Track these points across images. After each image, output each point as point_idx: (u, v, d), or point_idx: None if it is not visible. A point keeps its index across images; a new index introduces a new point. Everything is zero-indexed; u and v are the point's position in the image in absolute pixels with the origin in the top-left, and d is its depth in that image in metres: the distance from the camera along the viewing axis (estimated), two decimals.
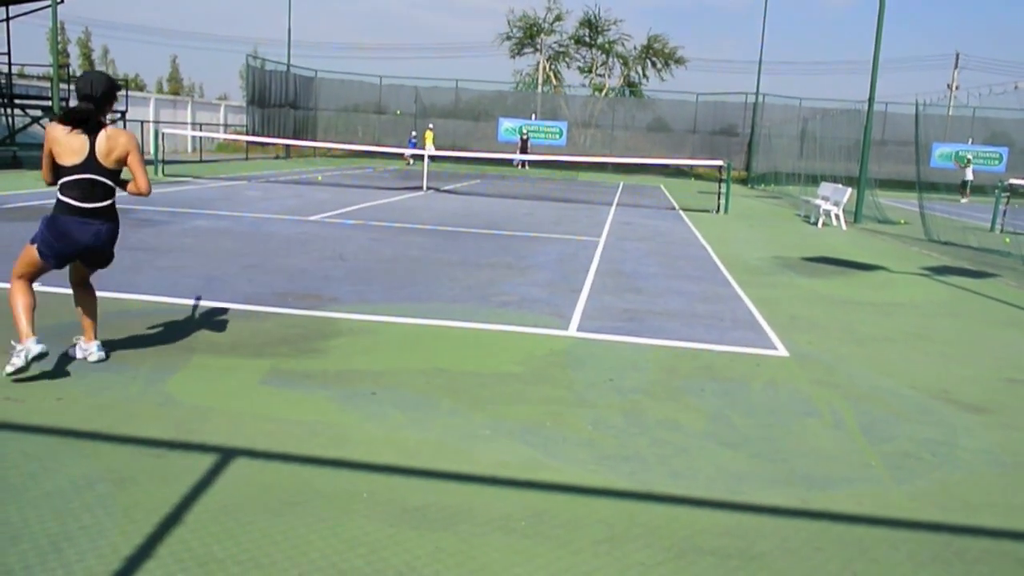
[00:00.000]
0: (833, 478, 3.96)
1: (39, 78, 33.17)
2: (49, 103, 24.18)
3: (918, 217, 17.56)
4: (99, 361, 5.06)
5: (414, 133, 39.90)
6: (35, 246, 4.80)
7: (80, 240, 4.77)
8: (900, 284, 10.33)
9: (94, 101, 4.68)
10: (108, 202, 4.82)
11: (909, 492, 3.84)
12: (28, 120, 26.17)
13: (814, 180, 24.79)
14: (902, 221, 19.24)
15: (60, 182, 4.73)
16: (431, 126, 39.74)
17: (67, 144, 4.66)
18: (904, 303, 8.92)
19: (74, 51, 62.47)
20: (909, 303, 8.94)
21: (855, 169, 20.38)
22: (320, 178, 24.30)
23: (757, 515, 3.53)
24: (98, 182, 4.74)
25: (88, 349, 5.12)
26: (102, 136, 4.68)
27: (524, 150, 39.82)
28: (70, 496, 3.29)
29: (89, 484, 3.40)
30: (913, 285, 10.32)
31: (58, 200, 4.76)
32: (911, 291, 9.81)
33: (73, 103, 4.85)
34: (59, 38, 25.28)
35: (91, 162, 4.67)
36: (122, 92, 32.69)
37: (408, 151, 33.32)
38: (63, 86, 25.11)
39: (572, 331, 6.65)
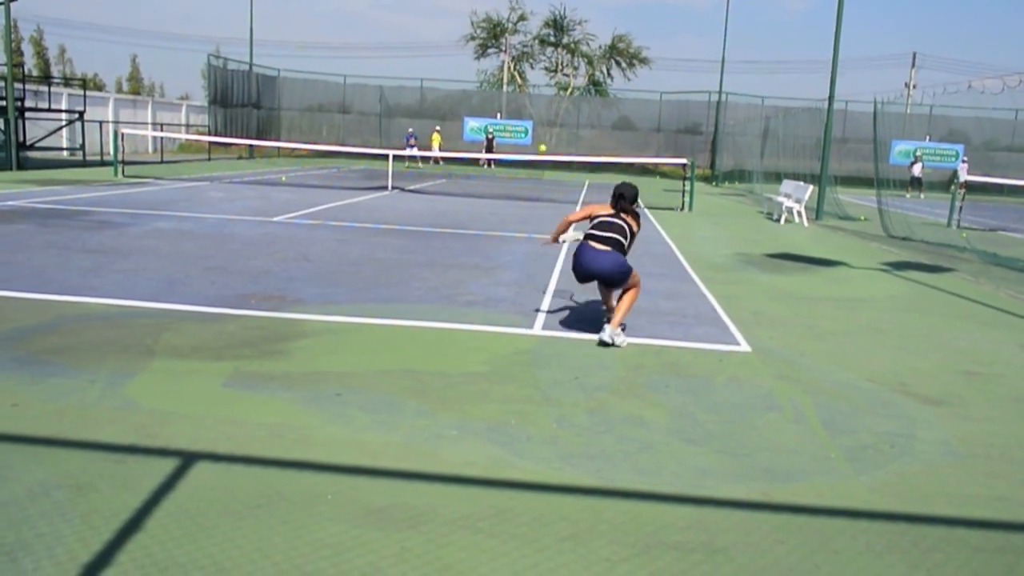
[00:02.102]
0: (794, 471, 4.02)
1: None
2: (3, 103, 23.66)
3: (877, 213, 17.87)
4: None
5: (411, 130, 39.29)
6: None
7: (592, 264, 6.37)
8: (860, 279, 10.51)
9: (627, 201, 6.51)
10: (616, 236, 6.39)
11: (868, 484, 3.91)
12: None
13: (777, 178, 25.12)
14: (862, 217, 19.57)
15: None
16: (437, 128, 39.52)
17: None
18: (863, 298, 9.07)
19: (28, 49, 61.20)
20: (868, 298, 9.10)
21: (817, 166, 20.68)
22: (284, 178, 24.09)
23: (720, 509, 3.57)
24: (621, 227, 6.45)
25: None
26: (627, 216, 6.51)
27: (489, 149, 39.81)
28: (26, 504, 3.23)
29: (46, 491, 3.34)
30: (872, 280, 10.50)
31: None
32: (870, 286, 9.99)
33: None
34: (12, 37, 24.73)
35: (619, 222, 6.47)
36: (79, 92, 32.14)
37: (407, 152, 33.12)
38: (17, 86, 24.58)
39: (538, 330, 6.67)
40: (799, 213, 18.27)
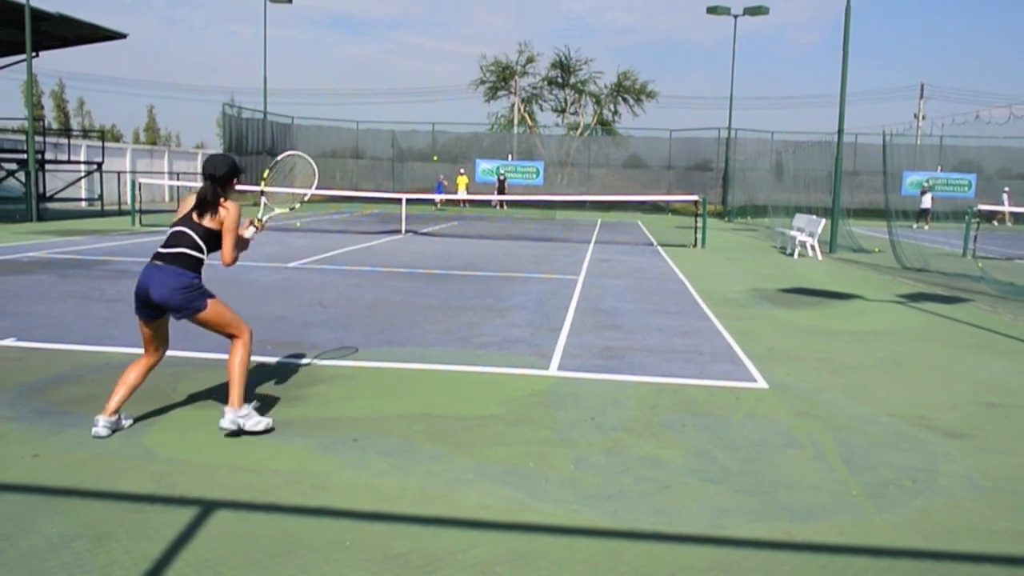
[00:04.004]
0: (816, 509, 3.97)
1: (13, 131, 33.13)
2: (24, 156, 24.11)
3: (890, 245, 17.81)
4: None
5: (442, 177, 40.01)
6: None
7: (142, 285, 4.78)
8: (875, 312, 10.45)
9: (216, 180, 4.82)
10: (178, 249, 4.76)
11: (891, 520, 3.87)
12: (3, 174, 26.06)
13: (789, 212, 25.14)
14: (876, 249, 19.52)
15: None
16: (462, 171, 39.99)
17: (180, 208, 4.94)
18: (880, 331, 9.02)
19: (48, 103, 62.55)
20: (885, 331, 9.04)
21: (829, 200, 20.70)
22: (299, 224, 24.32)
23: (741, 549, 3.53)
24: (183, 233, 4.79)
25: None
26: (208, 209, 4.82)
27: (501, 191, 40.12)
28: (46, 555, 3.24)
29: (66, 542, 3.36)
30: (888, 313, 10.44)
31: None
32: (886, 319, 9.93)
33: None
34: (33, 91, 25.32)
35: (187, 218, 4.83)
36: (97, 143, 32.74)
37: (437, 196, 33.73)
38: (38, 139, 25.08)
39: (553, 371, 6.67)
40: (812, 247, 18.25)
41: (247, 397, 4.94)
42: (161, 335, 5.01)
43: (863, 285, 13.26)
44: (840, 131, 19.66)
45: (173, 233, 4.82)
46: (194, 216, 4.81)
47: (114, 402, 4.81)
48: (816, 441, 5.03)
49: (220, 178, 4.84)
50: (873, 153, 35.86)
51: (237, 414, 4.77)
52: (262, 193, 5.63)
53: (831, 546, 3.59)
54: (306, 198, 5.86)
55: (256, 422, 4.82)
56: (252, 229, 5.31)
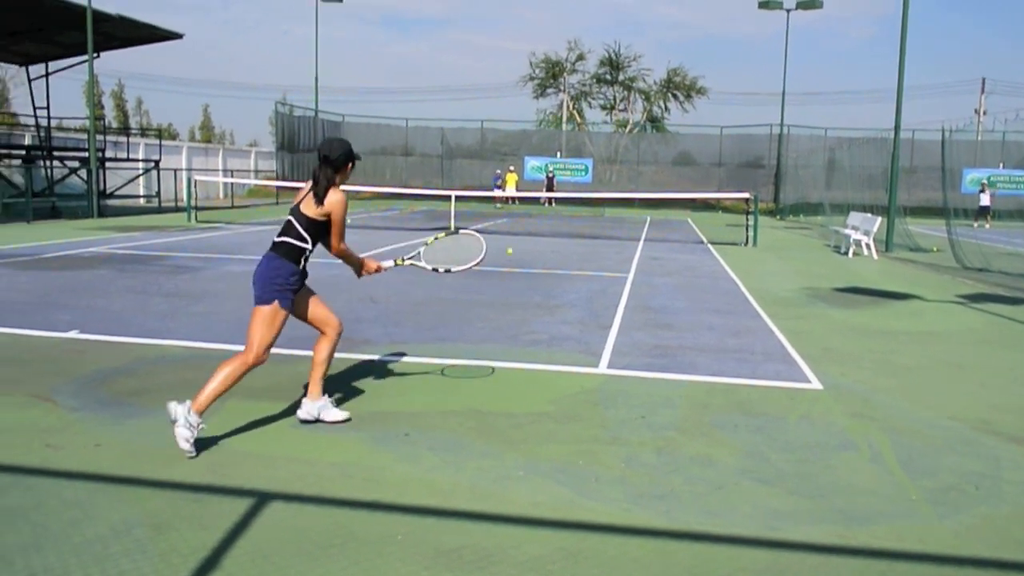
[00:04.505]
0: (873, 513, 3.89)
1: (76, 130, 34.14)
2: (86, 154, 24.82)
3: (949, 244, 17.34)
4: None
5: (499, 172, 40.00)
6: None
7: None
8: (934, 313, 10.19)
9: (329, 163, 4.72)
10: (284, 238, 4.74)
11: (953, 527, 3.76)
12: (66, 171, 26.86)
13: (843, 210, 24.64)
14: (934, 249, 19.02)
15: None
16: (512, 168, 40.04)
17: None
18: (939, 332, 8.79)
19: (109, 103, 64.28)
20: (944, 332, 8.81)
21: (884, 197, 20.23)
22: (349, 220, 24.58)
23: (795, 552, 3.47)
24: (290, 223, 4.76)
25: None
26: (314, 196, 4.73)
27: (550, 188, 40.08)
28: (109, 542, 3.33)
29: (127, 530, 3.44)
30: (948, 313, 10.17)
31: None
32: (946, 320, 9.67)
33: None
34: (94, 91, 26.04)
35: (297, 207, 4.80)
36: (155, 141, 33.55)
37: (498, 193, 33.94)
38: (99, 137, 25.78)
39: (603, 368, 6.64)
40: (867, 245, 17.86)
41: (326, 391, 5.05)
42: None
43: (921, 285, 12.94)
44: (897, 127, 19.20)
45: (285, 221, 4.82)
46: (302, 205, 4.75)
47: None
48: (873, 444, 4.92)
49: (334, 160, 4.72)
50: (931, 149, 34.90)
51: (315, 405, 4.91)
52: (431, 240, 5.67)
53: (890, 552, 3.50)
54: (454, 269, 5.60)
55: (334, 414, 4.96)
56: (390, 263, 5.41)
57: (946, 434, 5.15)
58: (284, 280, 4.68)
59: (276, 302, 4.64)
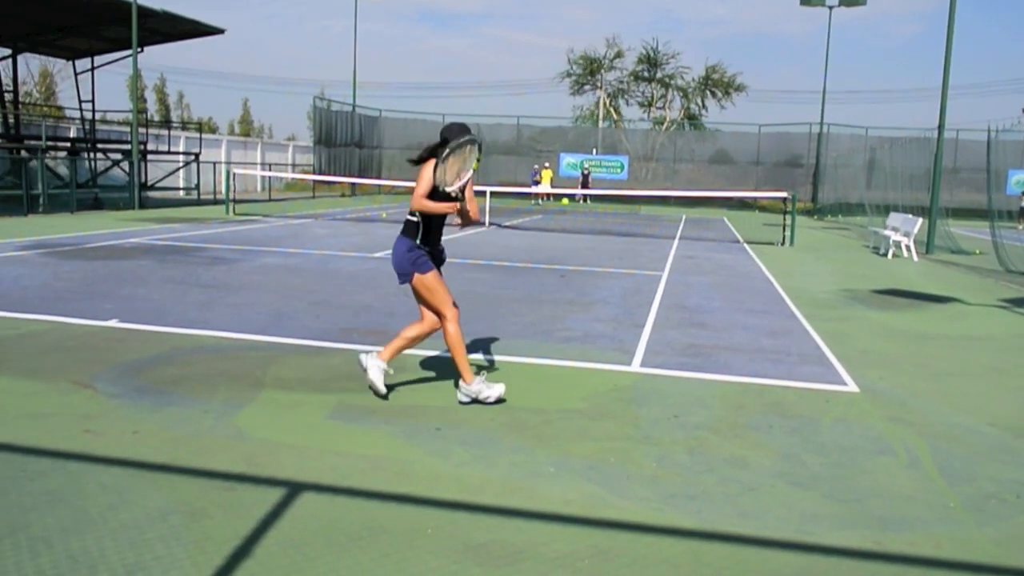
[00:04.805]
0: (910, 520, 3.82)
1: (119, 123, 34.74)
2: (128, 147, 25.26)
3: (992, 247, 16.96)
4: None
5: (536, 167, 39.78)
6: None
7: None
8: (976, 316, 9.98)
9: (442, 142, 5.12)
10: (405, 218, 5.28)
11: (993, 536, 3.68)
12: (109, 163, 27.35)
13: (883, 210, 24.24)
14: (977, 251, 18.63)
15: None
16: (547, 165, 39.86)
17: None
18: (981, 336, 8.61)
19: (151, 97, 65.30)
20: (986, 336, 8.62)
21: (926, 198, 19.86)
22: (385, 215, 24.76)
23: (829, 557, 3.42)
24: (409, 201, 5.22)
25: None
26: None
27: (585, 185, 39.94)
28: (145, 527, 3.39)
29: (163, 516, 3.50)
30: (990, 317, 9.95)
31: None
32: (988, 324, 9.47)
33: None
34: (137, 85, 26.48)
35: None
36: (195, 135, 34.03)
37: (535, 190, 33.91)
38: (141, 130, 26.21)
39: (636, 367, 6.60)
40: (908, 247, 17.55)
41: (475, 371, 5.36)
42: (425, 302, 5.34)
43: (963, 288, 12.68)
44: (941, 126, 18.82)
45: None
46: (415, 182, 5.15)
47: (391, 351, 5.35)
48: (910, 449, 4.83)
49: (443, 140, 5.12)
50: (975, 149, 34.18)
51: (468, 388, 5.23)
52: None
53: (926, 559, 3.44)
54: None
55: (487, 394, 5.24)
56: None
57: (986, 440, 5.04)
58: (410, 249, 5.22)
59: (415, 275, 5.22)
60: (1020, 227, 28.98)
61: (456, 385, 5.39)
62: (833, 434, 5.05)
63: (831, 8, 35.89)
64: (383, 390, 5.29)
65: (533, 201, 36.88)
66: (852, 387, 6.20)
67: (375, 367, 5.24)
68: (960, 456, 4.74)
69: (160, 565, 3.09)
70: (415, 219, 5.19)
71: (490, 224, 22.49)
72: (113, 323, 7.42)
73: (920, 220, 17.94)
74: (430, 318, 5.32)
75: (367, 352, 5.43)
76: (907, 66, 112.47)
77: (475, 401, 5.27)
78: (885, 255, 17.72)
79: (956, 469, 4.52)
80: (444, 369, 6.28)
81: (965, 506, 4.00)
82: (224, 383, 5.63)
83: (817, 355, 7.30)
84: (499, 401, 5.29)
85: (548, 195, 38.24)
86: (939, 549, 3.52)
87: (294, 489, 3.85)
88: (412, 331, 5.37)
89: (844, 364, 6.94)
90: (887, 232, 18.63)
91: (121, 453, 4.25)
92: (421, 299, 5.31)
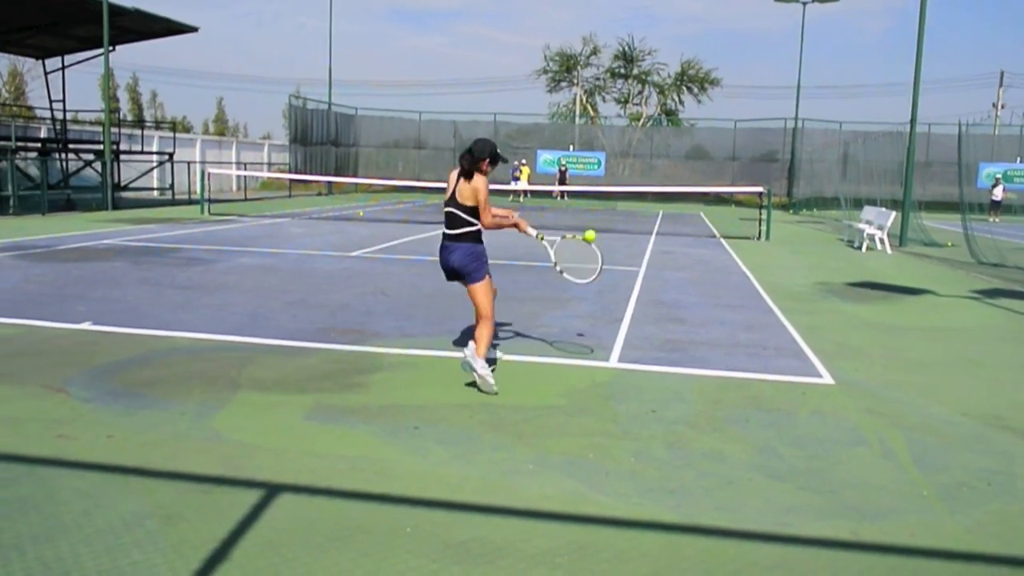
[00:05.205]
0: (885, 509, 3.86)
1: (91, 123, 34.32)
2: (101, 147, 24.95)
3: (964, 239, 17.19)
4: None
5: (516, 164, 39.44)
6: None
7: (442, 262, 5.81)
8: (949, 308, 10.11)
9: (473, 158, 5.64)
10: (462, 229, 5.69)
11: (965, 523, 3.74)
12: (81, 164, 27.01)
13: (857, 204, 24.48)
14: (949, 243, 18.87)
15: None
16: (524, 162, 39.62)
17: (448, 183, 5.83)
18: (953, 328, 8.72)
19: (123, 96, 64.56)
20: (959, 327, 8.74)
21: (899, 192, 20.08)
22: (361, 213, 24.64)
23: (806, 548, 3.46)
24: (455, 215, 5.70)
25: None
26: (465, 181, 5.64)
27: (562, 181, 39.94)
28: (121, 532, 3.35)
29: (139, 520, 3.46)
30: (962, 309, 10.09)
31: None
32: (960, 315, 9.60)
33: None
34: (109, 84, 26.16)
35: (452, 199, 5.71)
36: (169, 134, 33.70)
37: (517, 187, 33.77)
38: (113, 130, 25.90)
39: (614, 362, 6.62)
40: (881, 240, 17.74)
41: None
42: (483, 299, 5.74)
43: (935, 280, 12.84)
44: (913, 120, 19.03)
45: (447, 216, 5.76)
46: (458, 196, 5.65)
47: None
48: (885, 440, 4.89)
49: (477, 154, 5.63)
50: (947, 143, 34.59)
51: (478, 362, 5.52)
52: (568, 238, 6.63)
53: (901, 547, 3.48)
54: (565, 275, 6.54)
55: (486, 382, 5.51)
56: (534, 233, 6.10)
57: (959, 430, 5.12)
58: (486, 257, 5.77)
59: (488, 276, 5.73)
60: (991, 219, 29.38)
61: (471, 347, 5.63)
62: (809, 426, 5.10)
63: (805, 4, 36.15)
64: (495, 389, 5.52)
65: (512, 198, 36.83)
66: (828, 379, 6.26)
67: (482, 366, 5.53)
68: (933, 446, 4.80)
69: (137, 570, 3.06)
70: (477, 227, 5.69)
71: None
72: (86, 326, 7.33)
73: (893, 213, 18.14)
74: (484, 310, 5.69)
75: (467, 353, 5.62)
76: (880, 61, 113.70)
77: (472, 371, 5.51)
78: (859, 248, 17.91)
79: (930, 459, 4.58)
80: (422, 368, 6.27)
81: (938, 495, 4.06)
82: (200, 385, 5.58)
83: (793, 348, 7.37)
84: (481, 391, 5.52)
85: (527, 192, 38.20)
86: (913, 537, 3.57)
87: (272, 491, 3.83)
88: (483, 329, 5.69)
89: (820, 357, 7.00)
90: (861, 225, 18.82)
91: (95, 458, 4.21)
92: (480, 296, 5.69)
